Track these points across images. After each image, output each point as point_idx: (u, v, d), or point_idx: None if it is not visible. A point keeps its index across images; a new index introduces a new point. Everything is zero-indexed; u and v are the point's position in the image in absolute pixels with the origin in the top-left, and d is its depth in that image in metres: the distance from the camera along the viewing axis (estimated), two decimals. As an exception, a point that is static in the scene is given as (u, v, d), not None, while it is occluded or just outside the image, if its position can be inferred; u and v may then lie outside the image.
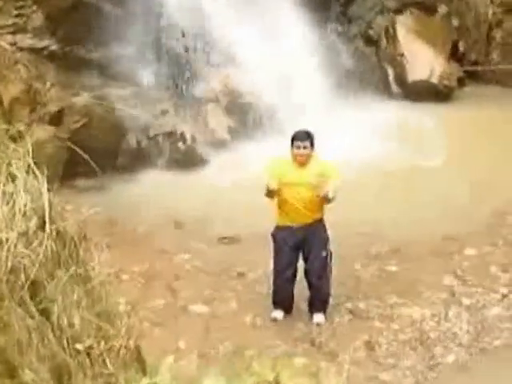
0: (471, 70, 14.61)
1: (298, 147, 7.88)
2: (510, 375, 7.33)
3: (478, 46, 14.78)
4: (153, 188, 11.12)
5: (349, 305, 8.36)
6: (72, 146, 9.89)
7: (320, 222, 8.07)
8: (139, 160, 11.71)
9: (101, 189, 11.08)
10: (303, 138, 7.92)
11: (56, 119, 11.43)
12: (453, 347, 7.81)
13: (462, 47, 14.71)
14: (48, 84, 11.56)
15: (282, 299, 8.26)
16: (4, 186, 3.54)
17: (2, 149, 3.77)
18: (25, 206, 3.53)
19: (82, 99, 11.64)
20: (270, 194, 7.95)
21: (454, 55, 14.52)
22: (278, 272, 8.16)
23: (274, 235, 8.17)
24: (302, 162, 7.92)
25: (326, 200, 7.95)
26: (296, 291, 8.35)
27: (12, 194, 3.55)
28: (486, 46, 14.74)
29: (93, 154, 11.92)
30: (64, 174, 10.43)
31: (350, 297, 8.47)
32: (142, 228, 10.21)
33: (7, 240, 3.31)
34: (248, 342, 7.90)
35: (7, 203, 3.49)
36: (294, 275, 8.18)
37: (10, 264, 3.27)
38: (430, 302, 8.47)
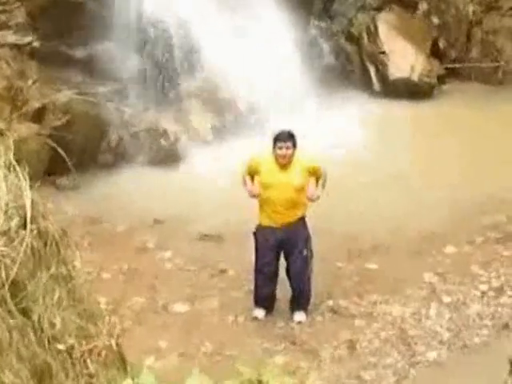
0: (451, 67, 14.66)
1: (281, 148, 7.81)
2: (490, 372, 7.33)
3: (458, 43, 14.83)
4: (134, 185, 11.09)
5: (330, 303, 8.37)
6: (53, 144, 9.88)
7: (301, 220, 8.08)
8: (120, 157, 11.68)
9: (82, 186, 11.06)
10: (285, 138, 7.84)
11: (38, 116, 11.36)
12: (433, 345, 7.85)
13: (442, 45, 14.75)
14: (30, 81, 11.49)
15: (264, 298, 8.27)
16: None
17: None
18: (6, 204, 3.52)
19: (64, 96, 11.59)
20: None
21: (435, 52, 14.56)
22: (259, 271, 8.16)
23: (255, 234, 8.17)
24: (285, 163, 7.88)
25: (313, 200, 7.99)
26: (280, 289, 8.35)
27: None
28: (466, 44, 14.80)
29: (75, 150, 11.94)
30: (45, 172, 10.40)
31: (331, 295, 8.48)
32: (122, 225, 10.17)
33: None
34: (229, 340, 7.92)
35: None
36: (276, 274, 8.18)
37: None
38: (410, 300, 8.50)
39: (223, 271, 9.04)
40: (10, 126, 10.90)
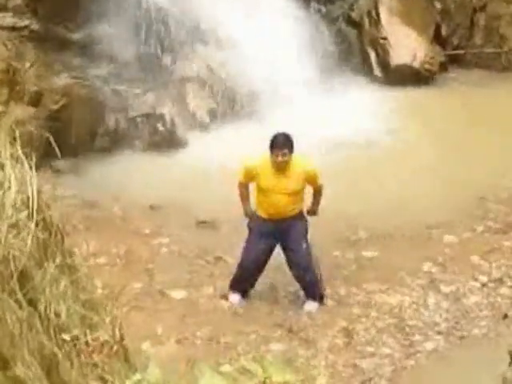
0: (454, 53, 14.55)
1: (277, 155, 7.75)
2: (488, 363, 7.30)
3: (460, 29, 14.69)
4: (131, 170, 10.99)
5: (327, 292, 8.30)
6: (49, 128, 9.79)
7: (299, 214, 8.06)
8: (118, 141, 11.56)
9: (78, 170, 10.99)
10: (281, 145, 7.75)
11: (35, 99, 11.28)
12: (431, 335, 7.81)
13: (444, 31, 14.62)
14: (28, 63, 11.40)
15: (243, 284, 8.25)
16: None
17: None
18: (15, 198, 3.50)
19: (62, 79, 11.51)
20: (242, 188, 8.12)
21: (437, 38, 14.43)
22: (246, 257, 8.13)
23: (249, 224, 8.18)
24: (282, 169, 7.84)
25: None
26: (277, 277, 8.36)
27: (2, 183, 3.52)
28: (469, 30, 14.68)
29: (72, 134, 11.85)
30: (42, 155, 10.30)
31: (329, 283, 8.40)
32: (119, 210, 10.10)
33: None
34: (225, 327, 7.90)
35: None
36: (264, 265, 8.15)
37: (1, 254, 3.24)
38: (409, 290, 8.46)
39: (220, 258, 8.98)
40: (7, 108, 10.87)
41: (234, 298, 8.26)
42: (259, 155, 8.07)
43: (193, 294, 8.39)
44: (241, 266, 8.21)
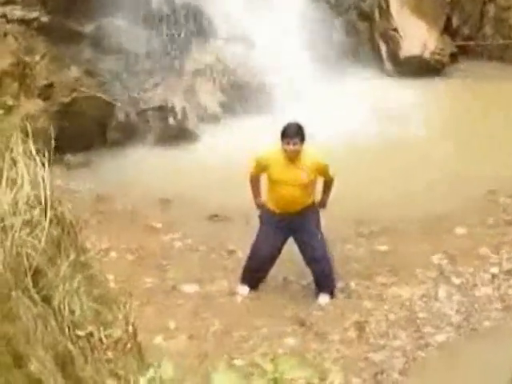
0: (464, 45, 14.50)
1: (288, 143, 7.76)
2: (499, 355, 7.34)
3: (471, 20, 14.65)
4: (142, 164, 11.02)
5: (339, 285, 8.33)
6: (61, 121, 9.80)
7: (310, 205, 8.07)
8: (128, 135, 11.57)
9: (89, 164, 11.03)
10: (293, 134, 7.76)
11: (46, 93, 11.30)
12: (442, 327, 7.82)
13: (454, 22, 14.58)
14: (38, 57, 11.42)
15: (253, 277, 8.28)
16: (7, 172, 3.54)
17: (3, 134, 3.76)
18: (28, 195, 3.53)
19: (73, 73, 11.53)
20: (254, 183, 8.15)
21: (447, 30, 14.40)
22: (255, 250, 8.16)
23: (260, 216, 8.20)
24: (293, 158, 7.84)
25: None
26: (289, 270, 8.39)
27: (15, 180, 3.54)
28: (479, 21, 14.63)
29: (82, 128, 11.86)
30: (53, 149, 10.33)
31: (340, 277, 8.42)
32: (131, 204, 10.11)
33: (12, 227, 3.30)
34: (238, 321, 7.92)
35: (10, 190, 3.48)
36: (276, 257, 8.18)
37: (14, 252, 3.26)
38: (420, 282, 8.46)
39: (232, 252, 9.00)
40: (17, 102, 10.89)
41: (243, 289, 8.30)
42: (271, 147, 8.09)
43: (205, 288, 8.41)
44: (250, 258, 8.25)
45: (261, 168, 8.04)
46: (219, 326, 7.81)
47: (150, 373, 3.34)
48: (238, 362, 7.27)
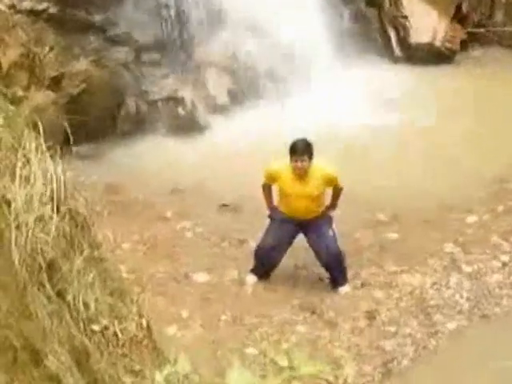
0: (474, 31, 14.45)
1: (296, 161, 7.80)
2: (510, 342, 7.35)
3: (481, 7, 14.59)
4: (153, 154, 11.05)
5: (349, 273, 8.33)
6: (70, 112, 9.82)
7: (322, 213, 8.14)
8: (138, 125, 11.62)
9: (100, 155, 11.07)
10: (301, 152, 7.78)
11: (55, 84, 11.32)
12: (453, 315, 7.82)
13: (465, 8, 14.52)
14: (47, 48, 11.43)
15: (260, 267, 8.31)
16: (20, 169, 3.55)
17: (15, 130, 3.77)
18: (42, 192, 3.54)
19: (82, 63, 11.54)
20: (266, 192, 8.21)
21: (457, 17, 14.34)
22: (263, 242, 8.22)
23: (271, 215, 8.27)
24: (301, 175, 7.89)
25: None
26: (300, 259, 8.41)
27: (28, 177, 3.56)
28: (490, 8, 14.57)
29: (92, 119, 11.86)
30: (63, 140, 10.36)
31: (351, 265, 8.41)
32: (141, 194, 10.15)
33: (26, 224, 3.32)
34: (249, 310, 7.93)
35: (24, 187, 3.50)
36: (282, 250, 8.21)
37: (29, 248, 3.28)
38: (430, 270, 8.45)
39: (243, 241, 9.02)
40: (27, 93, 10.91)
41: (251, 279, 8.33)
42: (281, 161, 8.09)
43: (217, 277, 8.43)
44: (258, 248, 8.29)
45: (271, 179, 8.12)
46: (231, 314, 7.83)
47: (167, 369, 3.35)
48: (250, 351, 7.30)
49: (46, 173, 3.67)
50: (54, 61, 11.40)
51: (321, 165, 7.97)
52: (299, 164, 7.78)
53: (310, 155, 7.80)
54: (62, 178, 3.73)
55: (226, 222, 9.48)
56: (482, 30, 14.47)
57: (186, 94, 11.92)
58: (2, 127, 3.66)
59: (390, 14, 14.13)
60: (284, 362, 3.04)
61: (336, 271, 8.20)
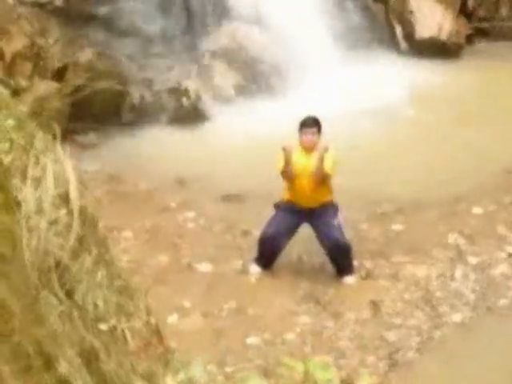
0: (480, 26, 14.42)
1: (306, 133, 7.93)
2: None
3: (486, 2, 14.57)
4: (156, 144, 11.02)
5: (354, 264, 8.28)
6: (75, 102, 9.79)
7: (328, 202, 8.07)
8: (143, 116, 11.59)
9: (103, 144, 11.03)
10: (311, 124, 7.97)
11: (59, 74, 11.31)
12: (459, 306, 7.77)
13: (470, 3, 14.50)
14: (51, 39, 11.41)
15: (263, 256, 8.24)
16: (32, 170, 3.50)
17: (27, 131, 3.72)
18: (53, 193, 3.50)
19: (86, 54, 11.52)
20: (285, 174, 8.01)
21: (463, 11, 14.32)
22: (265, 232, 8.14)
23: (276, 204, 8.20)
24: (310, 148, 7.95)
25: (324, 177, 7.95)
26: (304, 249, 8.36)
27: (39, 178, 3.51)
28: (495, 2, 14.54)
29: (96, 109, 11.85)
30: (67, 129, 10.33)
31: (356, 256, 8.36)
32: (144, 184, 10.11)
33: (38, 226, 3.27)
34: (252, 300, 7.89)
35: (35, 188, 3.45)
36: (284, 240, 8.15)
37: (41, 250, 3.24)
38: (436, 261, 8.41)
39: (246, 231, 8.96)
40: (31, 83, 10.89)
41: (254, 269, 8.29)
42: (291, 141, 8.04)
43: (220, 268, 8.38)
44: (260, 237, 8.23)
45: (287, 157, 7.89)
46: (234, 304, 7.79)
47: (180, 376, 3.29)
48: (253, 340, 7.26)
49: (57, 173, 3.62)
50: (59, 52, 11.39)
51: (324, 143, 7.99)
52: (309, 136, 7.91)
53: (319, 129, 7.96)
54: (73, 177, 3.67)
55: (228, 212, 9.42)
56: (487, 24, 14.44)
57: (191, 84, 11.89)
58: (13, 129, 3.61)
59: (395, 8, 14.10)
60: (299, 369, 2.96)
61: (341, 261, 8.14)
